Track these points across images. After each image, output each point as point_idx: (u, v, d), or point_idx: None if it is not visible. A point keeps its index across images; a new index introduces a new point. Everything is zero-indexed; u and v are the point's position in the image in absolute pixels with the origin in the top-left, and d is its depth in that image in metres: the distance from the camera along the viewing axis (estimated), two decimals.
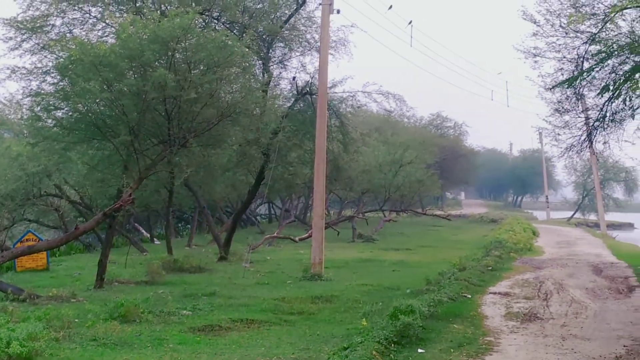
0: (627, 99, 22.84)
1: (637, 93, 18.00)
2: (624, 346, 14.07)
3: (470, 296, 20.26)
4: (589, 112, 26.95)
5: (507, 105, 58.79)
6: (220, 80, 21.05)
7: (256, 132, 26.29)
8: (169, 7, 24.90)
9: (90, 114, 20.91)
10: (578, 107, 26.47)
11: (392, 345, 13.13)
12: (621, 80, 21.81)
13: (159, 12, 23.68)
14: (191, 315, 17.27)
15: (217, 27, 26.63)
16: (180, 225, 54.63)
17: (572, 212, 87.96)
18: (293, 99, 30.94)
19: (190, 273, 26.37)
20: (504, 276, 25.52)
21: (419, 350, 13.24)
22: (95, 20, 26.29)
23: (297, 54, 31.17)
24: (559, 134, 27.23)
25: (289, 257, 33.62)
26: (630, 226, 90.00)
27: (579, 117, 27.05)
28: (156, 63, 20.27)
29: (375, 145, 49.22)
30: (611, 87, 22.45)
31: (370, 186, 50.64)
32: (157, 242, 43.29)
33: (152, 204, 35.92)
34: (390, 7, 29.67)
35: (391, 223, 56.56)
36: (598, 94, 23.86)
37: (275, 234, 39.74)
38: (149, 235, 45.21)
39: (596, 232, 58.23)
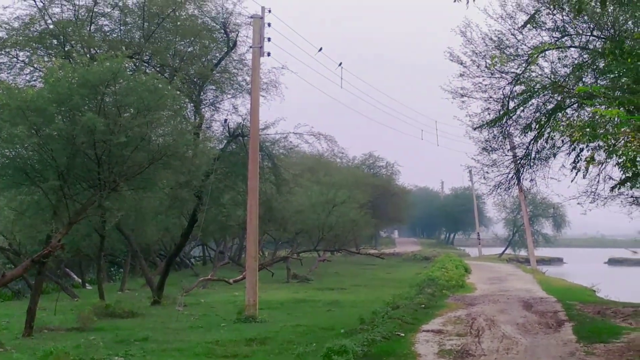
0: (549, 137, 23.36)
1: (561, 131, 18.38)
2: None
3: (403, 335, 20.28)
4: (516, 151, 27.54)
5: (437, 145, 59.65)
6: (151, 123, 20.91)
7: (188, 175, 26.08)
8: (98, 51, 24.76)
9: (18, 159, 20.55)
10: (505, 145, 27.07)
11: None
12: (543, 120, 22.33)
13: (88, 56, 23.51)
14: None
15: (147, 71, 26.52)
16: (113, 269, 53.76)
17: (503, 248, 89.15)
18: (225, 141, 30.88)
19: (123, 318, 25.88)
20: (437, 314, 25.63)
21: None
22: (23, 64, 26.00)
23: (229, 96, 31.25)
24: (487, 172, 27.79)
25: (223, 299, 33.31)
26: (559, 261, 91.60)
27: (506, 155, 27.64)
28: (85, 107, 20.08)
29: (308, 186, 49.22)
30: (534, 126, 22.96)
31: (304, 226, 50.54)
32: (89, 287, 42.46)
33: (84, 249, 35.36)
34: (320, 49, 29.94)
35: (325, 263, 56.59)
36: (521, 133, 24.38)
37: (209, 277, 39.35)
38: (80, 281, 44.30)
39: (526, 268, 59.00)
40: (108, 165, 20.92)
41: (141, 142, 20.82)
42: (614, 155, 11.48)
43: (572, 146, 22.40)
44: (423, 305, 27.30)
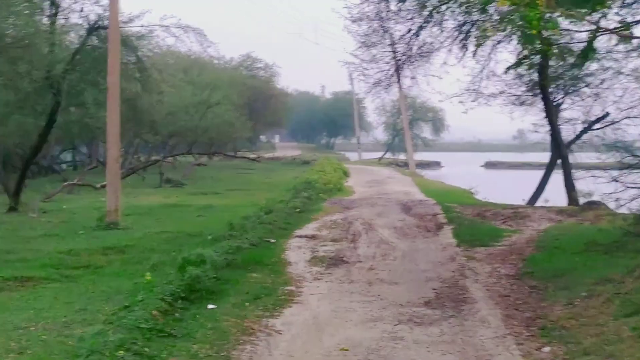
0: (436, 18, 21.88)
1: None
2: (433, 289, 13.05)
3: (274, 241, 18.84)
4: (396, 47, 26.17)
5: (317, 43, 58.23)
6: None
7: (40, 67, 23.49)
8: None
9: None
10: (385, 39, 25.55)
11: (179, 301, 11.42)
12: None
13: None
14: None
15: None
16: None
17: (383, 153, 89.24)
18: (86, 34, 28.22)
19: None
20: (312, 218, 24.32)
21: (210, 306, 11.59)
22: None
23: None
24: (366, 69, 26.34)
25: (88, 205, 31.06)
26: (437, 164, 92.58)
27: (386, 51, 26.22)
28: None
29: (181, 86, 46.65)
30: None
31: (176, 129, 48.14)
32: None
33: None
34: None
35: (201, 167, 54.76)
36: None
37: (74, 181, 37.19)
38: None
39: (405, 171, 58.74)
40: None
41: None
42: (512, 25, 9.99)
43: (463, 21, 21.11)
44: (298, 210, 25.94)
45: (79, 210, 28.68)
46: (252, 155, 60.46)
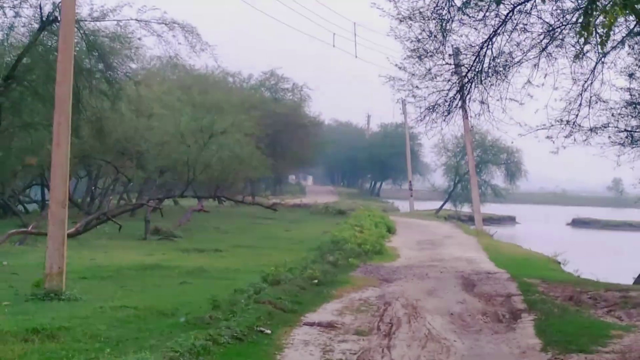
0: None
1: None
2: None
3: (270, 332, 15.90)
4: (461, 58, 23.44)
5: (355, 56, 56.20)
6: None
7: None
8: None
9: None
10: (445, 48, 22.71)
11: None
12: None
13: None
14: None
15: None
16: None
17: (441, 203, 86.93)
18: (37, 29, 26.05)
19: None
20: (334, 294, 21.68)
21: None
22: None
23: None
24: (417, 87, 23.49)
25: (38, 262, 28.50)
26: (511, 220, 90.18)
27: (446, 63, 23.39)
28: None
29: (178, 107, 44.40)
30: None
31: (168, 162, 45.81)
32: None
33: None
34: None
35: (203, 214, 52.38)
36: None
37: (29, 229, 34.78)
38: None
39: (469, 228, 57.25)
40: None
41: None
42: None
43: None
44: (316, 281, 23.24)
45: (25, 270, 26.20)
46: (267, 202, 57.98)
